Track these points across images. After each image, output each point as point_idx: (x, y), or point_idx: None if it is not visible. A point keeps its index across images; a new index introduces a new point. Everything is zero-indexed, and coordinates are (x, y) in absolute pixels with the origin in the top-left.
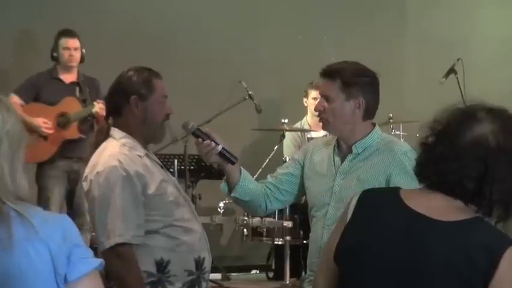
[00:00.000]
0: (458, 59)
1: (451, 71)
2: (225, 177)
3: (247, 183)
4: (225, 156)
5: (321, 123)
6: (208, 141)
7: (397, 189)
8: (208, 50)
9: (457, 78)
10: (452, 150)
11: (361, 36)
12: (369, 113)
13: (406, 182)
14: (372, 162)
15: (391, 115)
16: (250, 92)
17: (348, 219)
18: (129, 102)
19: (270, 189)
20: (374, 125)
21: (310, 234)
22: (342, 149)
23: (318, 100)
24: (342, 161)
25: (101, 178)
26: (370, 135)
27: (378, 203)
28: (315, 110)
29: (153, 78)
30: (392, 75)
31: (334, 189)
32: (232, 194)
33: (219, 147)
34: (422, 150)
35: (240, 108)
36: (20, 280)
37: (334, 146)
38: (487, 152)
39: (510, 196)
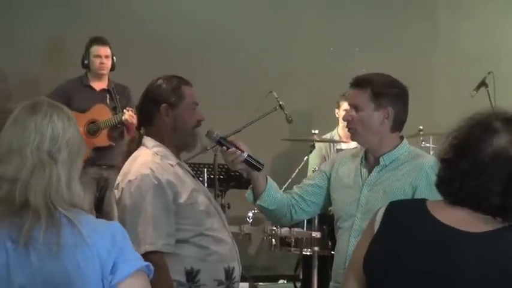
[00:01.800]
0: (489, 72)
1: (482, 84)
2: (250, 185)
3: (273, 192)
4: (251, 163)
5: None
6: (233, 149)
7: (423, 201)
8: (240, 60)
9: (487, 91)
10: (474, 165)
11: (392, 48)
12: (397, 124)
13: (432, 195)
14: (399, 175)
15: (421, 127)
16: (281, 102)
17: (375, 231)
18: (159, 110)
19: (295, 199)
20: (402, 138)
21: (336, 245)
22: (370, 160)
23: (349, 111)
24: (369, 172)
25: (132, 186)
26: (398, 147)
27: (405, 215)
28: (343, 119)
29: (182, 86)
30: (423, 87)
31: (360, 201)
32: (257, 202)
33: (244, 155)
34: (444, 167)
35: (270, 118)
36: (67, 285)
37: (362, 158)
38: (509, 164)
39: None
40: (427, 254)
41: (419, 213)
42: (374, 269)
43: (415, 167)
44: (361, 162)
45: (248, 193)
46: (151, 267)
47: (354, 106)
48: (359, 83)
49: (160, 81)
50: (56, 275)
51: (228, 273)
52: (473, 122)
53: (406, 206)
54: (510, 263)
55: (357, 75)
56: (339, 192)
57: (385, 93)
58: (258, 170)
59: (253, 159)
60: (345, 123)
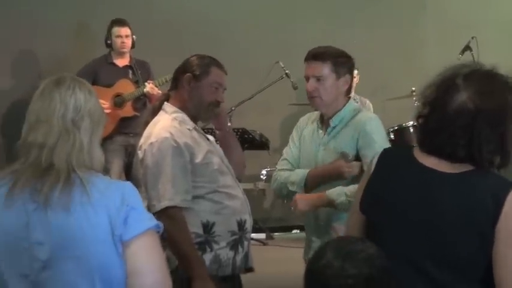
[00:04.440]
0: (473, 37)
1: (467, 48)
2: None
3: None
4: None
5: (350, 97)
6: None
7: (411, 148)
8: (249, 34)
9: (472, 54)
10: (441, 121)
11: (385, 19)
12: (349, 89)
13: (369, 146)
14: (345, 133)
15: (413, 88)
16: (287, 71)
17: (370, 173)
18: (183, 78)
19: None
20: (349, 98)
21: None
22: (324, 123)
23: (312, 82)
24: (324, 133)
25: (154, 148)
26: (343, 109)
27: (396, 160)
28: (309, 90)
29: (212, 66)
30: (414, 52)
31: (317, 159)
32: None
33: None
34: (420, 123)
35: (278, 86)
36: (81, 239)
37: (317, 121)
38: (470, 118)
39: (500, 152)
40: (413, 194)
41: (407, 158)
42: (367, 208)
43: (355, 124)
44: (317, 124)
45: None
46: (161, 225)
47: (317, 77)
48: (318, 56)
49: (194, 57)
50: (69, 229)
51: (241, 224)
52: (440, 80)
53: (397, 153)
54: (486, 198)
55: (355, 44)
56: (302, 151)
57: (343, 63)
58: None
59: None
60: None
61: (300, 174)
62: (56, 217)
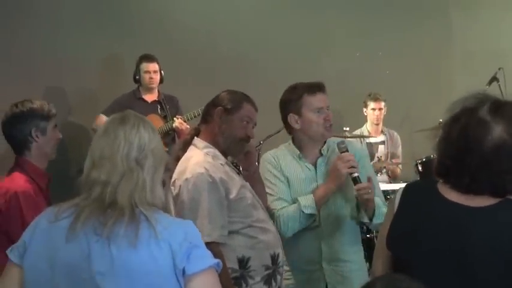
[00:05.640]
0: (499, 68)
1: (494, 79)
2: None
3: None
4: (355, 178)
5: (378, 129)
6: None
7: (434, 183)
8: (277, 67)
9: (499, 85)
10: (482, 160)
11: (411, 50)
12: None
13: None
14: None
15: (441, 120)
16: None
17: (395, 210)
18: (214, 112)
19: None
20: None
21: (296, 238)
22: (309, 155)
23: (329, 112)
24: (314, 164)
25: (189, 184)
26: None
27: (420, 195)
28: (328, 120)
29: (243, 101)
30: (441, 84)
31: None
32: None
33: (356, 174)
34: (450, 164)
35: None
36: (144, 273)
37: (298, 155)
38: (510, 149)
39: None
40: (441, 230)
41: (431, 193)
42: (395, 245)
43: (355, 152)
44: (299, 158)
45: (310, 204)
46: (221, 264)
47: (328, 107)
48: (324, 88)
49: (225, 92)
50: (132, 263)
51: (274, 258)
52: (464, 116)
53: (420, 187)
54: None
55: (381, 77)
56: (294, 187)
57: None
58: (355, 183)
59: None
60: (373, 119)
61: (308, 198)
62: (119, 250)
